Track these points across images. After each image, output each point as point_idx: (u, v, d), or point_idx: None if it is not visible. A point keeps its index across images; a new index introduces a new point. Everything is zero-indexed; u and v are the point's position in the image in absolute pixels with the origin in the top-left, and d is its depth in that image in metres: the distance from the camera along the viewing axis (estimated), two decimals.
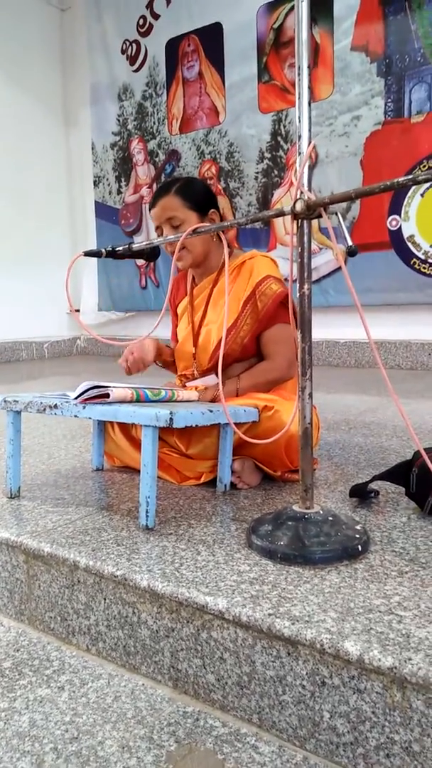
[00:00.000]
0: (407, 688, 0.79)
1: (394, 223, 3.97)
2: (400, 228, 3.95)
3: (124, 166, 5.41)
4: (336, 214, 1.08)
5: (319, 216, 1.07)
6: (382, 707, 0.81)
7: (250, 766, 0.85)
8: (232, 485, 1.51)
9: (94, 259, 5.51)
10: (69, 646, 1.16)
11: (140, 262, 5.31)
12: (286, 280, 1.53)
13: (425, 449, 1.14)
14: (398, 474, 1.39)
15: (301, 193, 1.07)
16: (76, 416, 1.34)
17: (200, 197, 1.64)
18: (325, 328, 4.22)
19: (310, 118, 1.08)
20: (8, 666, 1.10)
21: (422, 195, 3.86)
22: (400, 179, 0.95)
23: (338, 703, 0.85)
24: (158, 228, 1.66)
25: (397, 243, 3.96)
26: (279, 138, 4.44)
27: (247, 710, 0.94)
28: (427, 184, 3.81)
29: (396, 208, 3.95)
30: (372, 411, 2.56)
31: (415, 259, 3.91)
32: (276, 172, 4.47)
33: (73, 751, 0.89)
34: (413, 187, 3.88)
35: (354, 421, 2.34)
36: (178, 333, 1.80)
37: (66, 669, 1.09)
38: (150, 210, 1.67)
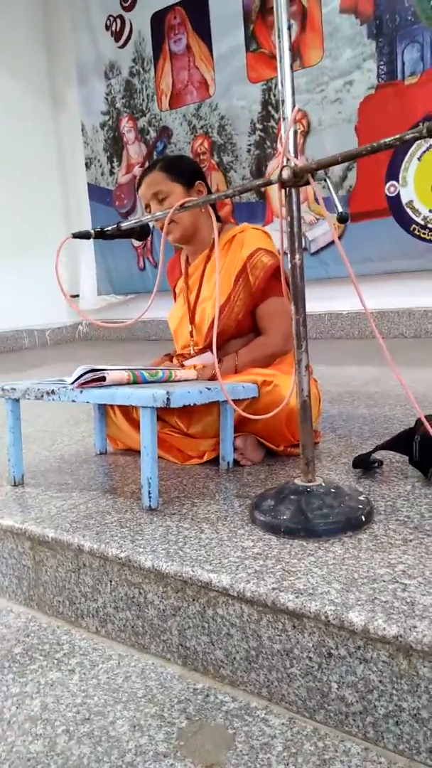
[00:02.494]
0: (413, 656, 0.78)
1: (392, 189, 3.90)
2: (398, 194, 3.88)
3: (115, 146, 5.33)
4: (325, 180, 1.05)
5: (308, 183, 1.05)
6: (389, 676, 0.81)
7: (261, 738, 0.85)
8: (236, 462, 1.51)
9: (91, 243, 5.49)
10: (78, 629, 1.17)
11: (137, 243, 5.26)
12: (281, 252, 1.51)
13: (426, 416, 1.13)
14: (401, 442, 1.38)
15: (287, 160, 1.04)
16: (73, 401, 1.33)
17: (184, 169, 1.64)
18: (327, 301, 4.17)
19: (292, 81, 1.04)
20: (19, 651, 1.11)
21: (419, 159, 3.78)
22: (387, 139, 0.92)
23: (345, 674, 0.84)
24: (147, 207, 1.65)
25: (396, 209, 3.90)
26: (270, 108, 4.34)
27: (256, 684, 0.94)
28: (424, 147, 3.73)
29: (393, 173, 3.88)
30: (375, 381, 2.54)
31: (414, 225, 3.84)
32: (268, 143, 4.39)
33: (85, 732, 0.89)
34: (410, 151, 3.80)
35: (357, 393, 2.32)
36: (173, 313, 1.78)
37: (76, 652, 1.10)
38: (137, 191, 1.68)
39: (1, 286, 5.11)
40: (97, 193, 5.54)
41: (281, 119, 1.05)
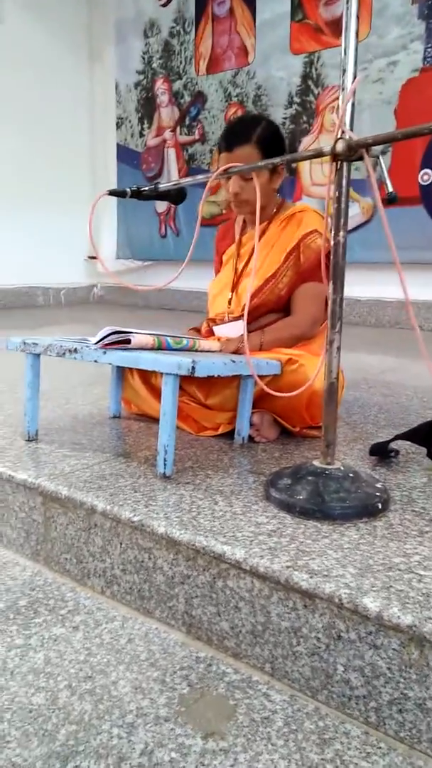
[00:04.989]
0: (426, 647, 0.78)
1: (425, 177, 3.82)
2: (431, 183, 3.80)
3: (148, 108, 5.22)
4: (378, 157, 1.02)
5: (360, 158, 1.01)
6: (398, 664, 0.80)
7: (262, 712, 0.86)
8: (250, 438, 1.50)
9: (114, 206, 5.42)
10: (84, 588, 1.17)
11: (160, 209, 5.19)
12: None
13: None
14: (420, 434, 1.37)
15: (343, 132, 1.00)
16: (96, 361, 1.32)
17: (277, 151, 1.55)
18: (347, 286, 4.09)
19: (356, 50, 1.00)
20: (24, 604, 1.11)
21: None
22: None
23: (353, 658, 0.84)
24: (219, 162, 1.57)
25: (428, 198, 3.82)
26: (309, 82, 4.24)
27: (259, 659, 0.94)
28: None
29: (429, 161, 3.79)
30: (392, 371, 2.51)
31: None
32: (305, 118, 4.29)
33: (87, 690, 0.90)
34: None
35: (373, 380, 2.30)
36: (217, 280, 1.79)
37: (81, 610, 1.10)
38: (221, 150, 1.55)
39: (20, 241, 5.06)
40: (125, 155, 5.45)
41: (341, 89, 1.02)
